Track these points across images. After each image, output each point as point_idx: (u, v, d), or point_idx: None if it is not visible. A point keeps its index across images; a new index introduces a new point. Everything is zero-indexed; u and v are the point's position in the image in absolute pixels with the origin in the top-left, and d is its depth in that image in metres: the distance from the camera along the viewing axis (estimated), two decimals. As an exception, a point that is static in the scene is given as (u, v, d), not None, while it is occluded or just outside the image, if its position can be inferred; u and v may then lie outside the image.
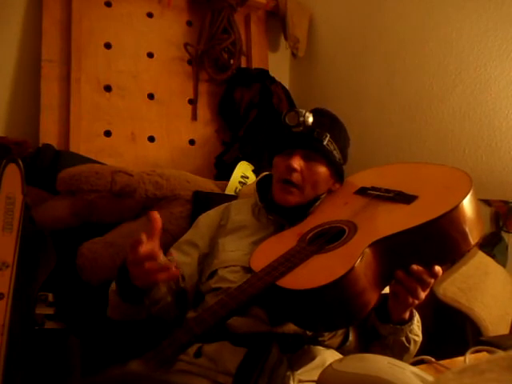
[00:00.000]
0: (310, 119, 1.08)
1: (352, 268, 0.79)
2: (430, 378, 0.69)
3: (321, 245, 0.91)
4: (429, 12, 1.79)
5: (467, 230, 0.87)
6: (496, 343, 1.00)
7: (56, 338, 1.28)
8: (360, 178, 1.14)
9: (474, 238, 0.88)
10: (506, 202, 1.56)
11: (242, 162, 1.78)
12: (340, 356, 0.94)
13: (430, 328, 1.10)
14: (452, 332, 1.39)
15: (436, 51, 1.76)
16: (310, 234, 0.96)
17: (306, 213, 1.08)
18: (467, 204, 0.87)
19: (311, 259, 0.87)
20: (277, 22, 2.30)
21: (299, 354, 0.93)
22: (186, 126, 2.11)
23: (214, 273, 1.08)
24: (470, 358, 0.87)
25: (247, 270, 0.98)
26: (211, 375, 0.91)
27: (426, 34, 1.80)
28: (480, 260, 1.49)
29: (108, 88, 1.96)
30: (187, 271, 1.12)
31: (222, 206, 1.24)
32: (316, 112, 1.12)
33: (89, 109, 1.90)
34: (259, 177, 1.29)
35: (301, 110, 1.09)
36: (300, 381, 0.88)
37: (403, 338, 0.96)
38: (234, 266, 1.05)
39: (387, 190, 1.01)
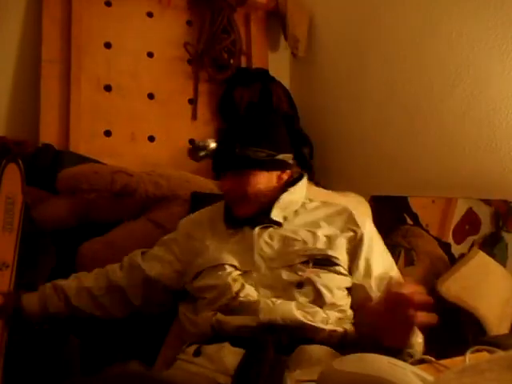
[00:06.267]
0: (212, 145, 1.14)
1: None
2: (430, 378, 0.69)
3: None
4: (429, 12, 1.78)
5: None
6: (496, 343, 1.00)
7: (56, 338, 1.28)
8: None
9: None
10: (506, 202, 1.56)
11: (242, 162, 1.78)
12: (337, 355, 0.94)
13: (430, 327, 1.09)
14: (452, 332, 1.38)
15: (436, 51, 1.76)
16: None
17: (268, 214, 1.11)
18: None
19: None
20: (277, 21, 2.30)
21: (295, 354, 0.93)
22: (185, 125, 2.10)
23: (200, 273, 1.09)
24: (470, 357, 0.87)
25: (234, 267, 1.04)
26: (210, 375, 0.91)
27: (426, 34, 1.80)
28: (480, 260, 1.49)
29: (108, 88, 1.95)
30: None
31: (198, 217, 1.25)
32: (244, 119, 1.21)
33: (89, 108, 1.89)
34: None
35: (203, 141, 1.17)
36: (297, 381, 0.87)
37: (404, 356, 0.94)
38: (221, 264, 1.06)
39: None
